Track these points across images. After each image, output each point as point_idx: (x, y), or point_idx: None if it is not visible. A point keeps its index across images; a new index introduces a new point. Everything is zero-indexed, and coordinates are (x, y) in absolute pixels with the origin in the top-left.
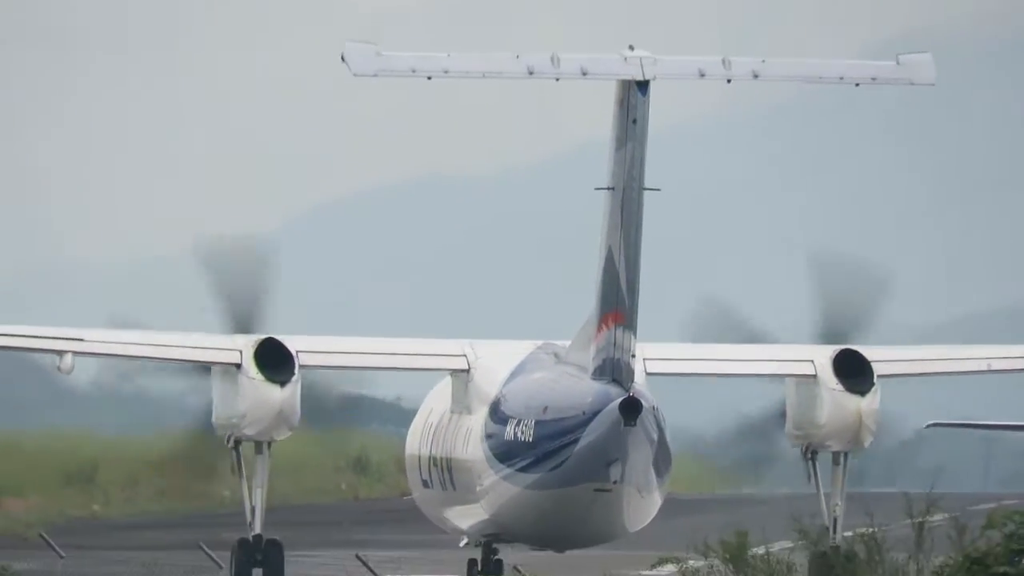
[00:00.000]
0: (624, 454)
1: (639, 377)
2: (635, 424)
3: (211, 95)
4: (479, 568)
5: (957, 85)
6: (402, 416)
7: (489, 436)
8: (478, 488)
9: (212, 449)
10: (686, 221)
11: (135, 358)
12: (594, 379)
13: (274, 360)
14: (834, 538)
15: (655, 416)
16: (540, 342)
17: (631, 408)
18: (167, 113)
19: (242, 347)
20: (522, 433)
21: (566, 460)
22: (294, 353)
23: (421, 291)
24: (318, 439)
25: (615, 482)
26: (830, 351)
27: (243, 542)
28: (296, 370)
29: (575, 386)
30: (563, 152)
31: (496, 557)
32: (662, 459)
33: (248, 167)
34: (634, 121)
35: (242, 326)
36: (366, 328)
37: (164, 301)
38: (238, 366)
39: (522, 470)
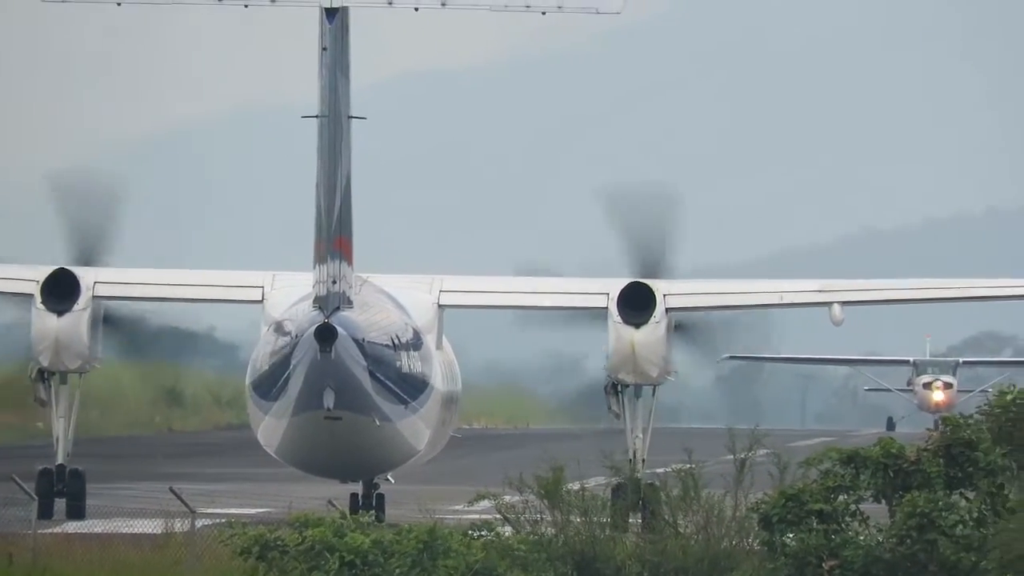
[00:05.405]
0: (330, 380)
1: (420, 309)
2: (330, 351)
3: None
4: (360, 503)
5: None
6: (216, 348)
7: (251, 365)
8: (250, 418)
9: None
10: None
11: None
12: (312, 308)
13: (61, 291)
14: (635, 470)
15: (362, 345)
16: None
17: (325, 335)
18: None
19: (37, 278)
20: (263, 362)
21: (285, 386)
22: (85, 285)
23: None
24: (132, 371)
25: (329, 408)
26: (620, 284)
27: (45, 471)
28: (81, 300)
29: (300, 314)
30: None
31: (377, 492)
32: (397, 388)
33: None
34: (324, 49)
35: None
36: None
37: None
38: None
39: (268, 399)
